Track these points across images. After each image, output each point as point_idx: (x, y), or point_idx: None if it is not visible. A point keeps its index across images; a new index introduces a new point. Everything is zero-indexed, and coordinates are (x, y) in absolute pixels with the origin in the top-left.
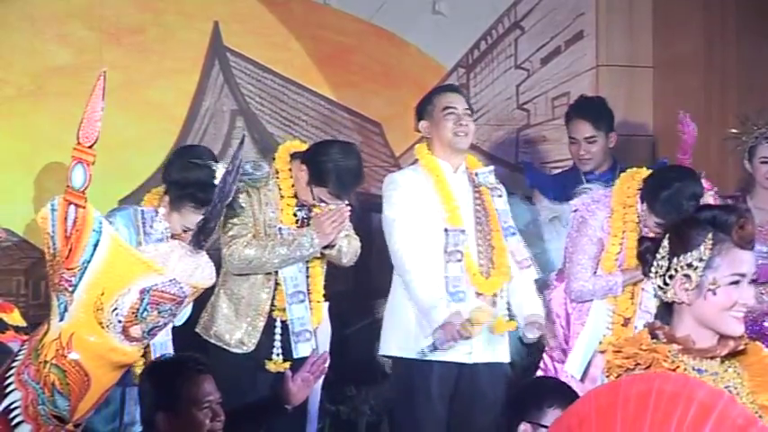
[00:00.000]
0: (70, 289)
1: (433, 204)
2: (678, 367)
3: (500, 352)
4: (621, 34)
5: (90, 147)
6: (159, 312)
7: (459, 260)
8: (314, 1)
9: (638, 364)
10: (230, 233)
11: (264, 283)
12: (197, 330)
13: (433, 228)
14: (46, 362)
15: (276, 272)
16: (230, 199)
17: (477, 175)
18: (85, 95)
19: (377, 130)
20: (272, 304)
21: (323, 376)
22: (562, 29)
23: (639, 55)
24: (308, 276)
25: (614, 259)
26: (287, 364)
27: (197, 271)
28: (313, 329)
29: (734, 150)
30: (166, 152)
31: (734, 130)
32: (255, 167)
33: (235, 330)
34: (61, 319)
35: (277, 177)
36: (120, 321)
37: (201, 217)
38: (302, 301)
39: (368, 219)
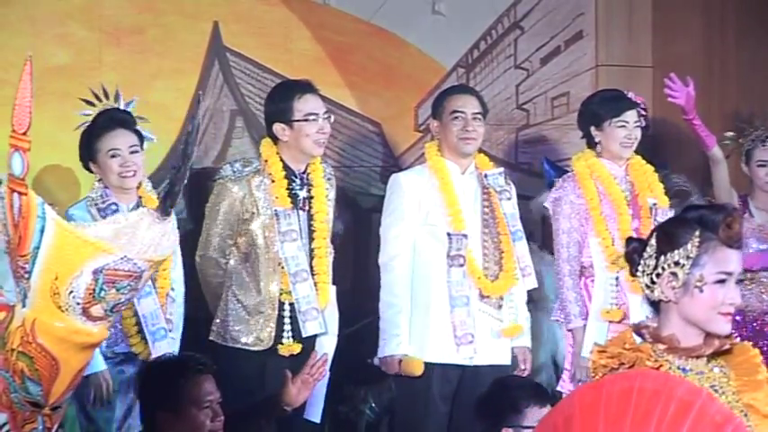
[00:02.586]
0: (26, 276)
1: (437, 208)
2: (662, 366)
3: (501, 354)
4: (621, 34)
5: (24, 133)
6: (118, 290)
7: (462, 265)
8: (314, 1)
9: (623, 363)
10: (212, 240)
11: (272, 274)
12: (211, 338)
13: (434, 234)
14: (13, 350)
15: (277, 254)
16: (192, 160)
17: (486, 176)
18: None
19: (377, 130)
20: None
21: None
22: (562, 29)
23: (639, 55)
24: (312, 257)
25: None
26: (298, 347)
27: (164, 238)
28: (320, 310)
29: (731, 153)
30: (166, 152)
31: (729, 133)
32: (245, 164)
33: (251, 330)
34: (23, 306)
35: (266, 165)
36: (78, 303)
37: (123, 134)
38: (306, 280)
39: (368, 219)
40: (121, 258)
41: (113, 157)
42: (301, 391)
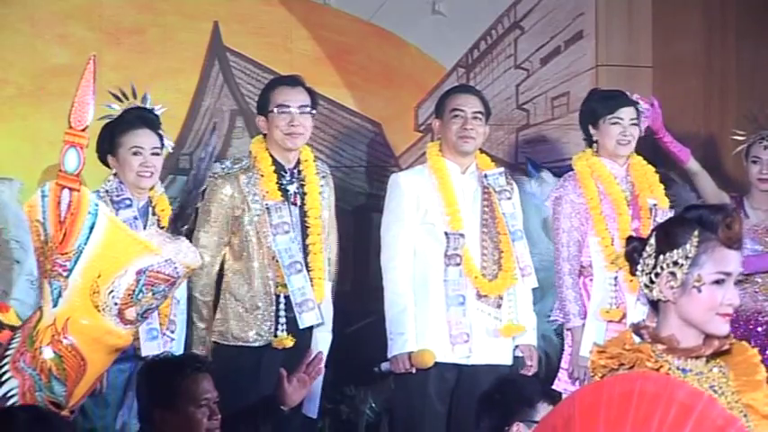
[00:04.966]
0: (65, 274)
1: (435, 207)
2: (662, 367)
3: (501, 354)
4: (621, 34)
5: (83, 130)
6: (153, 294)
7: (458, 264)
8: (314, 1)
9: (622, 364)
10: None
11: (267, 267)
12: (214, 339)
13: (432, 233)
14: (41, 348)
15: (270, 248)
16: (204, 186)
17: (485, 176)
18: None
19: (377, 130)
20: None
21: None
22: (562, 29)
23: (639, 55)
24: (307, 253)
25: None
26: (291, 340)
27: (179, 256)
28: (317, 304)
29: (734, 150)
30: (166, 152)
31: (740, 132)
32: (235, 162)
33: (251, 326)
34: (55, 305)
35: (255, 161)
36: (116, 304)
37: (148, 134)
38: (300, 271)
39: (368, 218)
40: (166, 260)
41: (135, 154)
42: (297, 389)
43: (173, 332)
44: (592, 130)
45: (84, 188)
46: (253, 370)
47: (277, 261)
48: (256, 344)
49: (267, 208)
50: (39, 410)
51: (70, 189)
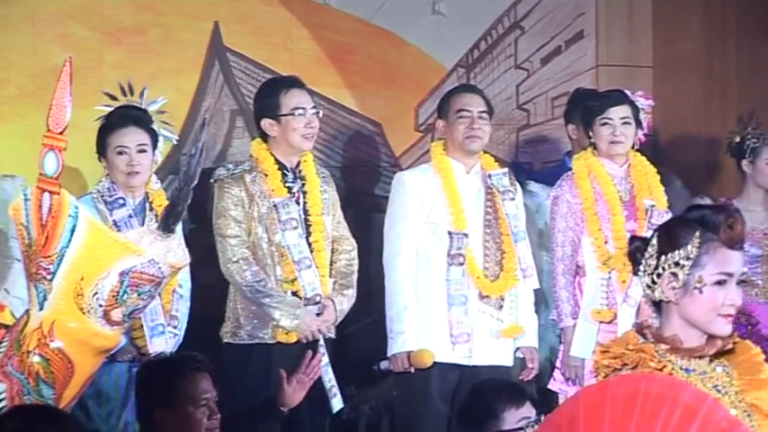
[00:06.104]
0: (48, 277)
1: (439, 206)
2: (665, 367)
3: (502, 355)
4: (621, 34)
5: (61, 133)
6: (139, 294)
7: (462, 263)
8: (314, 1)
9: (626, 364)
10: (229, 241)
11: (275, 265)
12: (226, 341)
13: (435, 232)
14: (29, 352)
15: (279, 243)
16: (195, 182)
17: (490, 176)
18: (86, 96)
19: (377, 130)
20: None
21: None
22: (562, 29)
23: (639, 55)
24: (311, 251)
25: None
26: (295, 335)
27: (169, 254)
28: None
29: (729, 150)
30: (166, 152)
31: (732, 134)
32: (237, 164)
33: (264, 323)
34: (41, 309)
35: (257, 162)
36: (100, 306)
37: (134, 131)
38: (309, 267)
39: (368, 219)
40: (149, 261)
41: (120, 154)
42: (297, 390)
43: (175, 327)
44: (590, 132)
45: (64, 191)
46: (265, 368)
47: (284, 257)
48: (270, 341)
49: (275, 205)
50: (50, 410)
51: (50, 192)
